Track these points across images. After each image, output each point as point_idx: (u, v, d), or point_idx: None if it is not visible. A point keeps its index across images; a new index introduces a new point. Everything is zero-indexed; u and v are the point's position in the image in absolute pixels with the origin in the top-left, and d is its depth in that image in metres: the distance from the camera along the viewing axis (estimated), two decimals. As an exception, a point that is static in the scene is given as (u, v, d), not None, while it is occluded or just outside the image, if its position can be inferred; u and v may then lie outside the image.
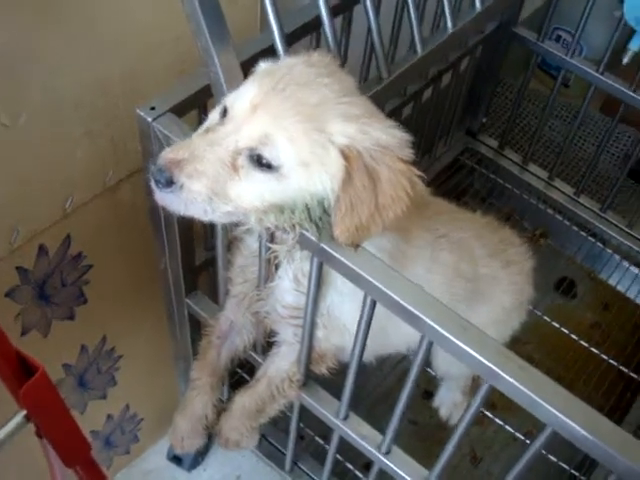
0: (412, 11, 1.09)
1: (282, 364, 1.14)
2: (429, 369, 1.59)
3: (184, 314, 1.27)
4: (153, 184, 0.81)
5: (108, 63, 1.06)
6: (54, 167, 1.08)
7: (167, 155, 0.80)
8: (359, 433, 1.10)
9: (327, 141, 0.79)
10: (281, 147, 0.78)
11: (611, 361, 1.74)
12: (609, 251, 1.92)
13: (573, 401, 0.76)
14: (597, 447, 0.74)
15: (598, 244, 1.91)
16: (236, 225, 0.96)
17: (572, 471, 1.58)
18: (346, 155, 0.79)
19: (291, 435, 1.30)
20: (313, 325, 1.00)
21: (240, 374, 1.41)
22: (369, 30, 1.06)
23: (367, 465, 1.54)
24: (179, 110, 0.96)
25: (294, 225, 0.85)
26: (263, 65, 0.88)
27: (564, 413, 0.74)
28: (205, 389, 1.23)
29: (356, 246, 0.83)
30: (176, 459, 1.72)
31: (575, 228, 1.93)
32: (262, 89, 0.81)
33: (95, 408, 1.49)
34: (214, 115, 0.85)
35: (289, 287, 1.01)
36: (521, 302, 1.35)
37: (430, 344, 0.85)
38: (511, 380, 0.77)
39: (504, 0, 1.29)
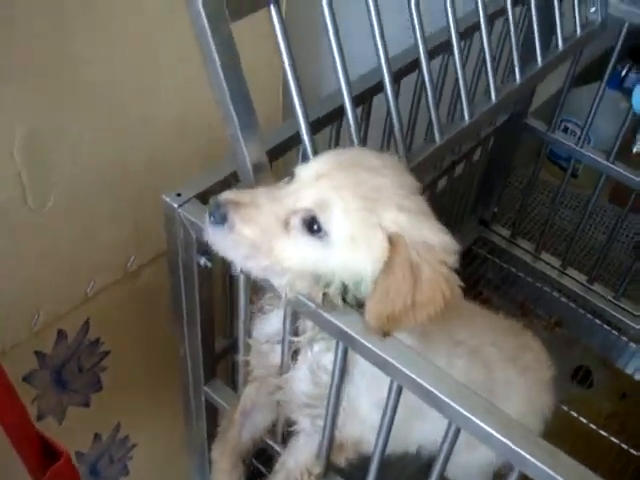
0: (431, 101, 1.12)
1: (301, 456, 1.11)
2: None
3: (201, 402, 1.25)
4: (207, 217, 0.83)
5: (135, 145, 1.09)
6: (77, 251, 1.09)
7: (228, 195, 0.83)
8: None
9: (377, 224, 0.81)
10: (335, 215, 0.81)
11: (632, 451, 1.70)
12: (624, 339, 1.90)
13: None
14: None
15: (613, 332, 1.90)
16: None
17: None
18: (393, 242, 0.81)
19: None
20: (336, 414, 0.98)
21: (256, 465, 1.38)
22: (390, 119, 1.08)
23: None
24: (205, 197, 0.98)
25: (324, 296, 0.85)
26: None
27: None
28: (226, 470, 1.19)
29: (385, 334, 0.82)
30: None
31: (589, 316, 1.92)
32: (329, 163, 0.85)
33: (107, 499, 1.46)
34: (281, 182, 0.88)
35: (304, 377, 1.00)
36: (535, 410, 1.33)
37: (457, 431, 0.83)
38: (540, 465, 0.76)
39: (518, 92, 1.31)
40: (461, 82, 1.18)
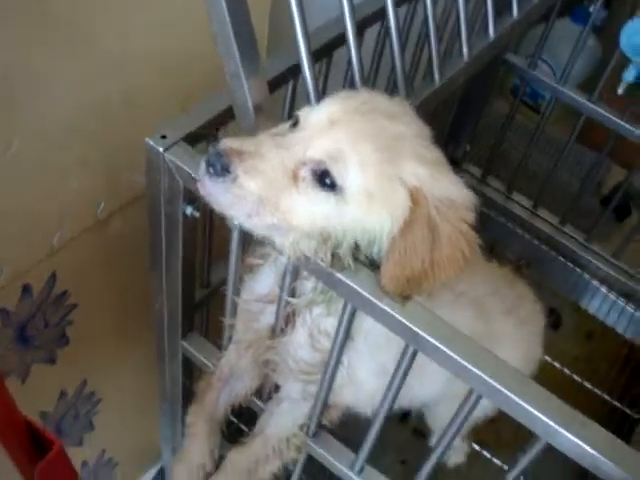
0: (433, 36, 1.03)
1: (282, 423, 1.05)
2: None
3: (177, 357, 1.17)
4: (204, 168, 0.72)
5: (109, 86, 0.97)
6: (44, 199, 0.98)
7: (230, 143, 0.72)
8: (376, 487, 1.02)
9: (397, 178, 0.73)
10: (351, 168, 0.72)
11: (605, 396, 1.71)
12: (595, 283, 1.88)
13: None
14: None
15: (585, 275, 1.87)
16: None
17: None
18: (414, 198, 0.73)
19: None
20: (333, 379, 0.91)
21: (237, 424, 1.31)
22: (392, 59, 0.99)
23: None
24: (193, 139, 0.87)
25: (332, 256, 0.77)
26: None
27: None
28: (201, 436, 1.13)
29: (404, 298, 0.75)
30: (153, 506, 1.61)
31: (561, 258, 1.89)
32: (343, 107, 0.75)
33: (71, 455, 1.37)
34: (283, 126, 0.78)
35: (304, 342, 0.93)
36: (529, 362, 1.29)
37: (479, 398, 0.78)
38: (573, 438, 0.71)
39: (515, 27, 1.23)
40: (462, 16, 1.09)
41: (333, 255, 0.77)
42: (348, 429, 1.07)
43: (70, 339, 1.18)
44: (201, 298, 1.15)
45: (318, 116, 0.75)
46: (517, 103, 1.77)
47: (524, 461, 0.78)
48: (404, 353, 0.80)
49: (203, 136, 0.91)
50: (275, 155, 0.73)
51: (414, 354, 0.79)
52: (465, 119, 1.88)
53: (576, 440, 0.70)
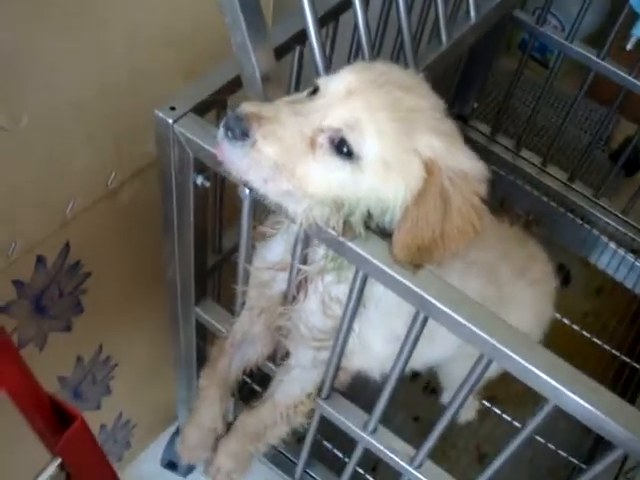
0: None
1: (291, 390, 1.07)
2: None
3: (191, 322, 1.18)
4: (222, 132, 0.73)
5: (114, 61, 0.97)
6: (56, 172, 0.99)
7: (249, 108, 0.73)
8: (389, 446, 1.04)
9: (413, 149, 0.74)
10: (368, 137, 0.73)
11: (614, 351, 1.73)
12: (604, 239, 1.88)
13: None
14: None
15: (594, 231, 1.87)
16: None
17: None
18: (429, 168, 0.74)
19: (306, 445, 1.23)
20: (345, 345, 0.93)
21: (250, 385, 1.34)
22: (399, 23, 0.99)
23: (374, 467, 1.50)
24: (200, 110, 0.88)
25: (344, 224, 0.78)
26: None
27: None
28: (213, 399, 1.16)
29: (415, 266, 0.76)
30: (170, 465, 1.65)
31: (569, 214, 1.89)
32: (361, 78, 0.76)
33: (89, 419, 1.40)
34: (300, 94, 0.79)
35: (316, 309, 0.94)
36: (539, 322, 1.31)
37: (489, 362, 0.79)
38: (580, 401, 0.73)
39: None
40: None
41: (345, 223, 0.78)
42: (357, 389, 1.09)
43: (85, 307, 1.20)
44: (213, 264, 1.17)
45: (336, 85, 0.77)
46: (525, 59, 1.75)
47: (534, 422, 0.80)
48: (415, 319, 0.81)
49: (213, 104, 0.91)
50: (294, 122, 0.74)
51: (424, 320, 0.81)
52: (473, 76, 1.86)
53: (583, 402, 0.72)
